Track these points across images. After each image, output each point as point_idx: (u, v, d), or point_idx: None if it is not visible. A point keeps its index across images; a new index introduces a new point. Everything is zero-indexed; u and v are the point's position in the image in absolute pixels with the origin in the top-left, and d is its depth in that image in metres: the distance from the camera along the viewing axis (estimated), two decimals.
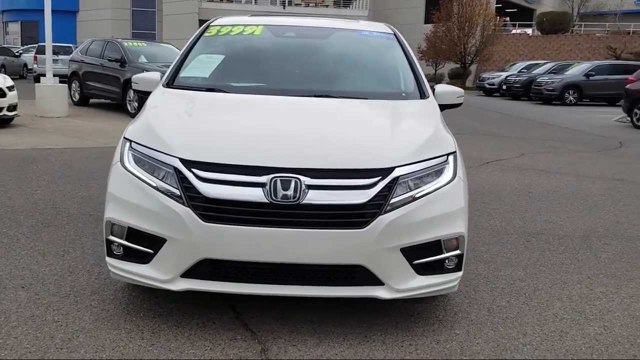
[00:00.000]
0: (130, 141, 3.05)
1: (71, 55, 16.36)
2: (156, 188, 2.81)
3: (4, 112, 10.05)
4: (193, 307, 3.14)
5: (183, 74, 3.89)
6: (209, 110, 3.36)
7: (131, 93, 12.63)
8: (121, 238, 2.90)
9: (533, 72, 26.71)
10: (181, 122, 3.12)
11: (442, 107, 3.80)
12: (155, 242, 2.81)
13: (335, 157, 2.85)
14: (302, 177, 2.72)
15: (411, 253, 2.82)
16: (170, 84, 3.80)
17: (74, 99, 14.76)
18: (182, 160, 2.80)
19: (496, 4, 40.04)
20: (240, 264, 2.78)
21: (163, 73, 4.03)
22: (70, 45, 26.69)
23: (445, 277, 2.95)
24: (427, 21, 39.15)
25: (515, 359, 2.79)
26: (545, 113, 18.79)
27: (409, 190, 2.83)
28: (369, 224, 2.72)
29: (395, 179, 2.80)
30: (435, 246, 2.88)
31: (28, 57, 27.58)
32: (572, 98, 22.79)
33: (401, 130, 3.15)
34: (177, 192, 2.76)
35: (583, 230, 5.11)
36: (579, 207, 5.98)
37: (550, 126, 14.78)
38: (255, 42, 4.20)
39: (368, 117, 3.43)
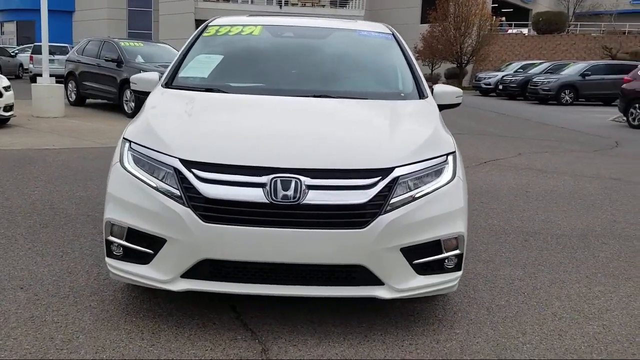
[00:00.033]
0: (130, 141, 3.05)
1: (67, 55, 16.31)
2: (156, 188, 2.81)
3: (0, 112, 10.02)
4: (193, 308, 3.14)
5: (182, 74, 3.89)
6: (209, 111, 3.36)
7: (128, 93, 12.62)
8: (121, 239, 2.90)
9: (529, 72, 26.77)
10: (181, 122, 3.12)
11: (441, 107, 3.81)
12: (155, 243, 2.80)
13: (335, 157, 2.85)
14: (302, 177, 2.72)
15: (411, 253, 2.83)
16: (169, 84, 3.79)
17: (70, 99, 14.73)
18: (182, 161, 2.80)
19: (492, 4, 40.12)
20: (240, 264, 2.78)
21: (161, 73, 4.03)
22: (67, 45, 26.65)
23: (445, 276, 2.96)
24: (423, 21, 39.18)
25: (515, 358, 2.79)
26: (542, 113, 18.84)
27: (408, 190, 2.84)
28: (369, 224, 2.73)
29: (395, 179, 2.81)
30: (435, 246, 2.89)
31: (24, 57, 27.49)
32: (568, 98, 22.85)
33: (401, 130, 3.15)
34: (177, 192, 2.76)
35: (581, 230, 5.13)
36: (577, 207, 5.99)
37: (547, 126, 14.81)
38: (254, 42, 4.20)
39: (367, 117, 3.44)
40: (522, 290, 3.65)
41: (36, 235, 4.34)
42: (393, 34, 4.38)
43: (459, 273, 3.01)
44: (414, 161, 2.90)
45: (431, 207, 2.87)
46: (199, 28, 4.36)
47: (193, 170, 2.77)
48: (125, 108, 12.71)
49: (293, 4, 38.02)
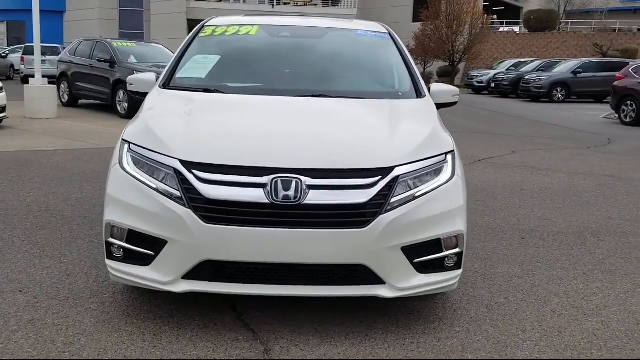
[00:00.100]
0: (129, 143, 3.04)
1: (60, 56, 16.22)
2: (156, 190, 2.80)
3: None
4: (194, 309, 3.14)
5: (179, 74, 3.88)
6: (208, 111, 3.36)
7: (121, 94, 12.57)
8: (121, 240, 2.89)
9: (521, 69, 26.88)
10: (180, 123, 3.11)
11: (438, 106, 3.82)
12: (156, 244, 2.80)
13: (335, 157, 2.86)
14: (302, 178, 2.72)
15: (412, 252, 2.84)
16: (167, 84, 3.79)
17: (62, 100, 14.65)
18: (182, 162, 2.80)
19: (484, 2, 40.26)
20: (242, 264, 2.78)
21: (158, 74, 4.02)
22: (58, 45, 26.51)
23: (446, 275, 2.97)
24: (415, 20, 39.25)
25: (516, 356, 2.81)
26: (534, 110, 18.92)
27: (408, 189, 2.85)
28: (369, 223, 2.74)
29: (396, 179, 2.82)
30: (435, 244, 2.90)
31: (15, 58, 27.32)
32: (560, 95, 22.96)
33: (400, 129, 3.16)
34: (178, 193, 2.75)
35: (576, 227, 5.16)
36: (572, 204, 6.03)
37: (540, 123, 14.88)
38: (251, 43, 4.20)
39: (366, 116, 3.44)
40: (520, 288, 3.67)
41: (33, 238, 4.32)
42: (389, 33, 4.39)
43: (459, 271, 3.03)
44: (413, 160, 2.91)
45: (431, 206, 2.88)
46: (195, 28, 4.35)
47: (193, 171, 2.77)
48: (119, 109, 12.66)
49: (285, 3, 37.98)
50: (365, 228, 2.73)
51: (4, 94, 10.21)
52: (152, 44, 15.44)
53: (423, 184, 2.90)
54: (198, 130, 3.06)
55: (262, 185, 2.72)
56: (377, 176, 2.80)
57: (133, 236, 2.85)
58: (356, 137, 3.08)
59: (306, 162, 2.78)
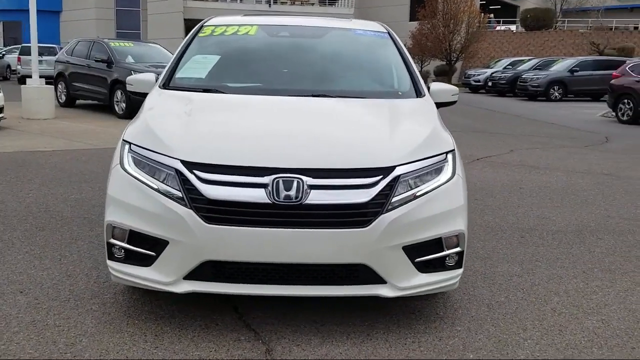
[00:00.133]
0: (130, 143, 3.04)
1: (57, 56, 16.20)
2: (157, 190, 2.80)
3: None
4: (195, 309, 3.14)
5: (179, 74, 3.88)
6: (209, 112, 3.36)
7: (119, 94, 12.56)
8: (122, 241, 2.89)
9: (518, 68, 26.93)
10: (181, 123, 3.11)
11: (437, 105, 3.82)
12: (158, 245, 2.80)
13: (336, 157, 2.87)
14: (304, 178, 2.73)
15: (413, 251, 2.85)
16: (167, 85, 3.78)
17: (60, 100, 14.62)
18: (183, 162, 2.80)
19: (480, 0, 40.28)
20: (243, 265, 2.78)
21: (157, 74, 4.02)
22: (54, 45, 26.45)
23: (447, 274, 2.98)
24: (412, 18, 39.27)
25: (517, 355, 2.82)
26: (531, 109, 18.95)
27: (409, 188, 2.85)
28: (371, 223, 2.74)
29: (396, 178, 2.82)
30: (436, 244, 2.91)
31: (11, 58, 27.26)
32: (557, 94, 22.99)
33: (400, 129, 3.17)
34: (179, 194, 2.75)
35: (575, 225, 5.18)
36: (570, 203, 6.05)
37: (537, 122, 14.91)
38: (251, 42, 4.20)
39: (367, 116, 3.45)
40: (520, 287, 3.68)
41: (33, 239, 4.31)
42: (388, 33, 4.39)
43: (460, 270, 3.03)
44: (414, 160, 2.92)
45: (432, 205, 2.88)
46: (195, 28, 4.35)
47: (194, 171, 2.77)
48: (116, 109, 12.65)
49: (282, 2, 37.99)
50: (367, 228, 2.73)
51: (1, 94, 10.19)
52: (150, 44, 15.42)
53: (424, 183, 2.91)
54: (199, 130, 3.06)
55: (263, 185, 2.72)
56: (378, 176, 2.80)
57: (134, 237, 2.84)
58: (357, 136, 3.09)
59: (307, 162, 2.79)
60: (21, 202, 5.34)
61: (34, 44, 12.48)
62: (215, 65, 3.99)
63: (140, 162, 2.93)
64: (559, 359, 2.79)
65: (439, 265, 2.95)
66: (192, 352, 2.73)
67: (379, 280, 2.83)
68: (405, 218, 2.79)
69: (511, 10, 45.90)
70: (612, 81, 15.65)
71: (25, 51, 23.29)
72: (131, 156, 2.98)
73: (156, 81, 3.88)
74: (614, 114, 15.62)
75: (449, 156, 3.07)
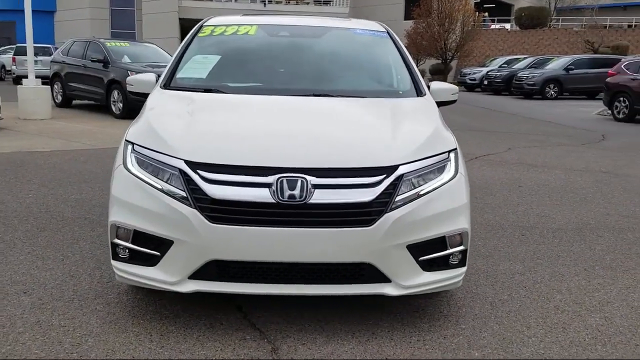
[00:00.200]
0: (133, 144, 3.04)
1: (52, 56, 16.14)
2: (161, 190, 2.80)
3: None
4: (199, 309, 3.15)
5: (179, 75, 3.88)
6: (211, 112, 3.36)
7: (115, 94, 12.53)
8: (127, 241, 2.89)
9: (513, 67, 26.98)
10: (184, 123, 3.11)
11: (438, 104, 3.83)
12: (162, 245, 2.80)
13: (339, 156, 2.87)
14: (308, 177, 2.73)
15: (417, 250, 2.86)
16: (168, 85, 3.78)
17: (56, 100, 14.56)
18: (187, 162, 2.80)
19: None
20: (248, 264, 2.79)
21: (157, 74, 4.02)
22: (49, 45, 26.35)
23: (450, 272, 2.99)
24: (407, 17, 39.29)
25: (522, 352, 2.83)
26: (527, 107, 19.01)
27: (412, 187, 2.86)
28: (375, 221, 2.75)
29: (400, 177, 2.83)
30: (440, 242, 2.92)
31: (6, 59, 27.16)
32: (552, 92, 23.04)
33: (403, 128, 3.18)
34: (183, 193, 2.76)
35: (575, 223, 5.20)
36: (569, 200, 6.07)
37: (533, 120, 14.95)
38: (251, 42, 4.20)
39: (369, 115, 3.46)
40: (523, 285, 3.69)
41: (34, 240, 4.30)
42: (388, 32, 4.40)
43: (464, 269, 3.05)
44: (417, 159, 2.93)
45: (435, 204, 2.90)
46: (194, 28, 4.35)
47: (199, 171, 2.77)
48: (113, 109, 12.61)
49: (277, 2, 37.92)
50: (371, 227, 2.74)
51: None
52: (146, 44, 15.37)
53: (427, 182, 2.92)
54: (202, 130, 3.06)
55: (267, 185, 2.72)
56: (381, 175, 2.81)
57: (139, 237, 2.85)
58: (359, 136, 3.10)
59: (311, 161, 2.79)
60: (21, 202, 5.33)
61: (29, 44, 12.42)
62: (215, 65, 3.99)
63: (144, 162, 2.93)
64: (564, 356, 2.81)
65: (442, 264, 2.97)
66: (198, 351, 2.74)
67: (383, 279, 2.84)
68: (409, 217, 2.80)
69: (505, 9, 45.99)
70: (608, 79, 15.71)
71: (20, 51, 23.21)
72: (134, 156, 2.98)
73: (156, 81, 3.87)
74: (609, 112, 15.68)
75: (452, 155, 3.09)
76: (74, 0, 38.62)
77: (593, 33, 34.82)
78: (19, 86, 12.42)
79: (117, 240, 2.92)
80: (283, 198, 2.70)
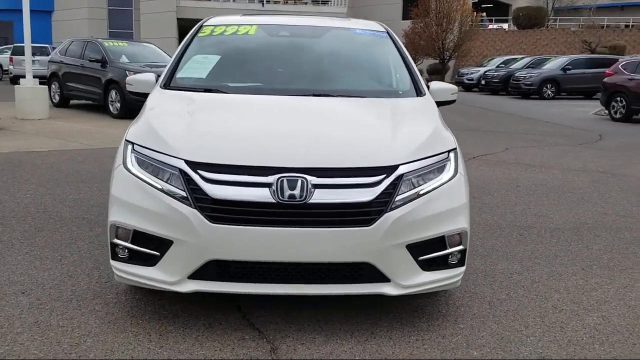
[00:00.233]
0: (133, 144, 3.04)
1: (50, 56, 16.12)
2: (161, 190, 2.80)
3: None
4: (198, 309, 3.15)
5: (179, 74, 3.88)
6: (212, 112, 3.36)
7: (113, 94, 12.52)
8: (126, 241, 2.89)
9: (511, 67, 27.03)
10: (184, 123, 3.11)
11: (437, 104, 3.84)
12: (162, 244, 2.80)
13: (340, 156, 2.88)
14: (308, 177, 2.74)
15: (416, 249, 2.87)
16: (168, 85, 3.78)
17: (54, 100, 14.55)
18: (187, 162, 2.80)
19: None
20: (248, 264, 2.79)
21: (157, 74, 4.02)
22: (47, 45, 26.30)
23: (449, 272, 3.00)
24: (405, 17, 39.32)
25: (520, 351, 2.84)
26: (525, 107, 19.04)
27: (412, 187, 2.87)
28: (375, 221, 2.75)
29: (400, 177, 2.84)
30: (439, 242, 2.93)
31: (3, 58, 27.10)
32: (550, 92, 23.09)
33: (403, 128, 3.18)
34: (184, 193, 2.76)
35: (573, 223, 5.21)
36: (567, 200, 6.09)
37: (531, 120, 14.98)
38: (251, 42, 4.20)
39: (369, 115, 3.46)
40: (521, 284, 3.70)
41: (32, 240, 4.30)
42: (387, 32, 4.41)
43: (463, 268, 3.05)
44: (417, 158, 2.93)
45: (435, 204, 2.90)
46: (194, 28, 4.35)
47: (199, 171, 2.77)
48: (111, 109, 12.60)
49: (275, 2, 37.92)
50: (371, 226, 2.75)
51: None
52: (144, 44, 15.36)
53: (426, 182, 2.92)
54: (202, 130, 3.06)
55: (267, 185, 2.72)
56: (381, 174, 2.81)
57: (138, 237, 2.85)
58: (359, 136, 3.10)
59: (311, 161, 2.80)
60: (19, 202, 5.32)
61: (27, 44, 12.41)
62: (215, 65, 3.99)
63: (144, 162, 2.93)
64: (562, 355, 2.82)
65: (442, 263, 2.97)
66: (197, 351, 2.74)
67: (383, 278, 2.84)
68: (408, 216, 2.81)
69: (503, 9, 46.05)
70: (605, 79, 15.75)
71: (18, 51, 23.19)
72: (134, 156, 2.98)
73: (156, 81, 3.87)
74: (607, 111, 15.72)
75: (451, 155, 3.10)
76: (72, 0, 38.56)
77: (590, 33, 34.88)
78: (16, 86, 12.41)
79: (116, 240, 2.92)
80: (283, 198, 2.71)
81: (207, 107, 3.41)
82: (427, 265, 2.92)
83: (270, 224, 2.71)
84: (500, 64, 28.86)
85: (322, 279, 2.83)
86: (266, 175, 2.74)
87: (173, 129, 3.06)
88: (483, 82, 27.17)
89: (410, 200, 2.83)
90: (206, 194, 2.73)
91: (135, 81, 3.91)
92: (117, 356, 2.68)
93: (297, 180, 2.72)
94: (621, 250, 4.47)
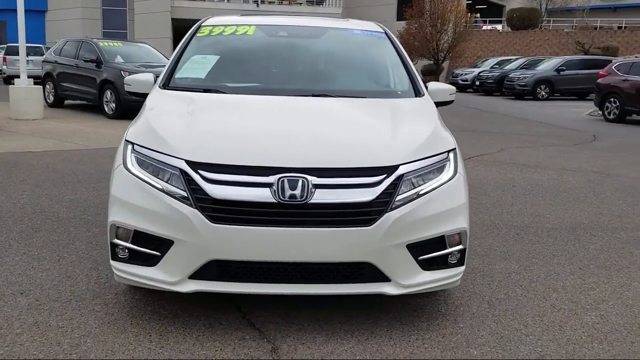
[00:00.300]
0: (133, 144, 3.03)
1: (44, 56, 16.05)
2: (162, 190, 2.80)
3: None
4: (198, 309, 3.14)
5: (178, 75, 3.88)
6: (211, 112, 3.36)
7: (108, 94, 12.48)
8: (126, 241, 2.89)
9: (505, 67, 27.11)
10: (184, 123, 3.11)
11: (435, 105, 3.85)
12: (163, 245, 2.80)
13: (340, 156, 2.89)
14: (309, 177, 2.74)
15: (416, 249, 2.88)
16: (167, 85, 3.78)
17: (48, 100, 14.47)
18: (188, 162, 2.80)
19: (467, 0, 40.49)
20: (249, 264, 2.79)
21: (156, 74, 4.01)
22: (41, 45, 26.19)
23: (449, 271, 3.01)
24: (399, 18, 39.35)
25: (519, 350, 2.85)
26: (519, 108, 19.11)
27: (412, 187, 2.88)
28: (375, 221, 2.76)
29: (400, 177, 2.85)
30: (439, 242, 2.94)
31: None
32: (543, 93, 23.17)
33: (402, 128, 3.19)
34: (184, 193, 2.76)
35: (569, 223, 5.24)
36: (563, 200, 6.12)
37: (525, 121, 15.04)
38: (250, 42, 4.21)
39: (368, 115, 3.48)
40: (519, 284, 3.72)
41: (30, 240, 4.28)
42: (385, 33, 4.42)
43: (462, 268, 3.07)
44: (417, 159, 2.94)
45: (435, 204, 2.91)
46: (192, 28, 4.35)
47: (199, 171, 2.77)
48: (106, 109, 12.56)
49: (270, 2, 37.90)
50: (371, 226, 2.75)
51: None
52: (139, 44, 15.31)
53: (426, 182, 2.93)
54: (203, 130, 3.06)
55: (268, 185, 2.73)
56: (382, 175, 2.82)
57: (139, 237, 2.84)
58: (359, 136, 3.11)
59: (312, 161, 2.80)
60: (15, 203, 5.30)
61: (21, 44, 12.34)
62: (214, 66, 3.99)
63: (144, 162, 2.93)
64: (561, 354, 2.83)
65: (441, 263, 2.98)
66: (197, 351, 2.74)
67: (383, 278, 2.85)
68: (409, 216, 2.82)
69: (497, 10, 46.20)
70: (599, 80, 15.83)
71: (11, 51, 23.07)
72: (134, 156, 2.98)
73: (155, 81, 3.87)
74: (600, 112, 15.80)
75: (451, 155, 3.11)
76: (66, 0, 38.40)
77: (583, 34, 35.02)
78: (10, 86, 12.34)
79: (116, 241, 2.92)
80: (284, 198, 2.71)
81: (207, 107, 3.41)
82: (427, 265, 2.93)
83: (271, 224, 2.72)
84: (495, 64, 28.94)
85: (322, 278, 2.84)
86: (267, 176, 2.74)
87: (173, 129, 3.06)
88: (477, 83, 27.23)
89: (411, 200, 2.84)
90: (207, 194, 2.73)
91: (134, 81, 3.90)
92: (117, 356, 2.68)
93: (298, 180, 2.73)
94: (617, 250, 4.49)
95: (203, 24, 4.37)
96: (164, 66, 4.69)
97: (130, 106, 11.11)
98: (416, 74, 4.01)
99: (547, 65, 24.10)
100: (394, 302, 3.26)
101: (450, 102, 4.07)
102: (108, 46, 13.52)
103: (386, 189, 2.80)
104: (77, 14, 37.95)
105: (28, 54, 20.31)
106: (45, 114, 12.39)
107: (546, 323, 3.16)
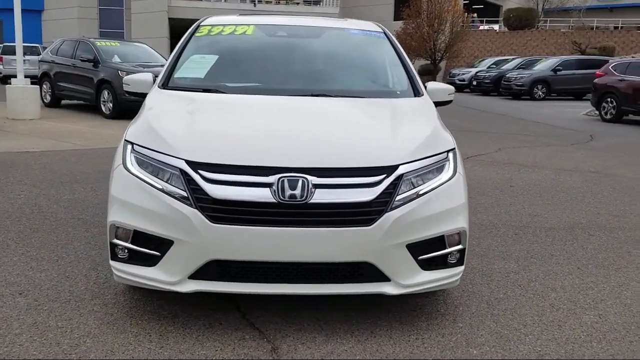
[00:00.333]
0: (132, 144, 3.03)
1: (41, 56, 16.00)
2: (162, 190, 2.80)
3: None
4: (198, 309, 3.14)
5: (177, 74, 3.87)
6: (211, 112, 3.36)
7: (105, 94, 12.46)
8: (126, 241, 2.88)
9: (502, 67, 27.16)
10: (184, 123, 3.11)
11: (434, 104, 3.86)
12: (162, 245, 2.80)
13: (340, 156, 2.89)
14: (309, 177, 2.74)
15: (416, 249, 2.88)
16: (166, 85, 3.77)
17: (45, 100, 14.44)
18: (188, 162, 2.80)
19: (464, 0, 40.53)
20: (249, 264, 2.79)
21: (155, 74, 4.01)
22: (37, 45, 26.10)
23: (449, 271, 3.02)
24: (396, 18, 39.39)
25: (519, 350, 2.86)
26: (516, 108, 19.14)
27: (412, 187, 2.88)
28: (375, 221, 2.76)
29: (400, 177, 2.85)
30: (438, 242, 2.94)
31: None
32: (540, 93, 23.22)
33: (402, 128, 3.20)
34: (184, 193, 2.76)
35: (567, 223, 5.25)
36: (560, 200, 6.13)
37: (522, 121, 15.06)
38: (248, 42, 4.20)
39: (368, 115, 3.48)
40: (518, 283, 3.73)
41: (28, 240, 4.27)
42: (384, 32, 4.43)
43: (462, 268, 3.07)
44: (417, 158, 2.95)
45: (434, 204, 2.92)
46: (191, 28, 4.34)
47: (199, 171, 2.77)
48: (103, 109, 12.53)
49: (267, 2, 37.88)
50: (371, 226, 2.76)
51: None
52: (136, 44, 15.30)
53: (426, 182, 2.94)
54: (203, 130, 3.06)
55: (268, 185, 2.73)
56: (381, 174, 2.83)
57: (138, 237, 2.84)
58: (359, 136, 3.11)
59: (312, 161, 2.80)
60: (13, 203, 5.29)
61: (18, 44, 12.32)
62: (214, 65, 3.99)
63: (144, 162, 2.92)
64: (560, 353, 2.84)
65: (441, 263, 2.99)
66: (197, 351, 2.74)
67: (383, 278, 2.85)
68: (408, 216, 2.82)
69: (494, 10, 46.27)
70: (596, 80, 15.87)
71: (7, 51, 23.00)
72: (134, 156, 2.97)
73: (154, 81, 3.86)
74: (597, 112, 15.84)
75: (450, 155, 3.12)
76: None
77: (580, 34, 35.10)
78: (7, 86, 12.32)
79: (116, 241, 2.91)
80: (284, 198, 2.71)
81: (206, 107, 3.41)
82: (427, 265, 2.94)
83: (271, 223, 2.72)
84: (492, 64, 29.00)
85: (322, 278, 2.84)
86: (267, 175, 2.74)
87: (173, 129, 3.06)
88: (474, 83, 27.27)
89: (410, 200, 2.84)
90: (207, 194, 2.73)
91: (133, 81, 3.90)
92: (117, 356, 2.68)
93: (298, 180, 2.73)
94: (615, 250, 4.51)
95: (202, 24, 4.37)
96: (161, 66, 4.69)
97: (127, 106, 11.11)
98: (415, 73, 4.02)
99: (544, 65, 24.15)
100: (394, 302, 3.26)
101: (449, 102, 4.08)
102: (105, 46, 13.49)
103: (386, 188, 2.80)
104: (74, 14, 37.86)
105: (25, 54, 20.28)
106: (42, 114, 12.36)
107: (545, 322, 3.17)
